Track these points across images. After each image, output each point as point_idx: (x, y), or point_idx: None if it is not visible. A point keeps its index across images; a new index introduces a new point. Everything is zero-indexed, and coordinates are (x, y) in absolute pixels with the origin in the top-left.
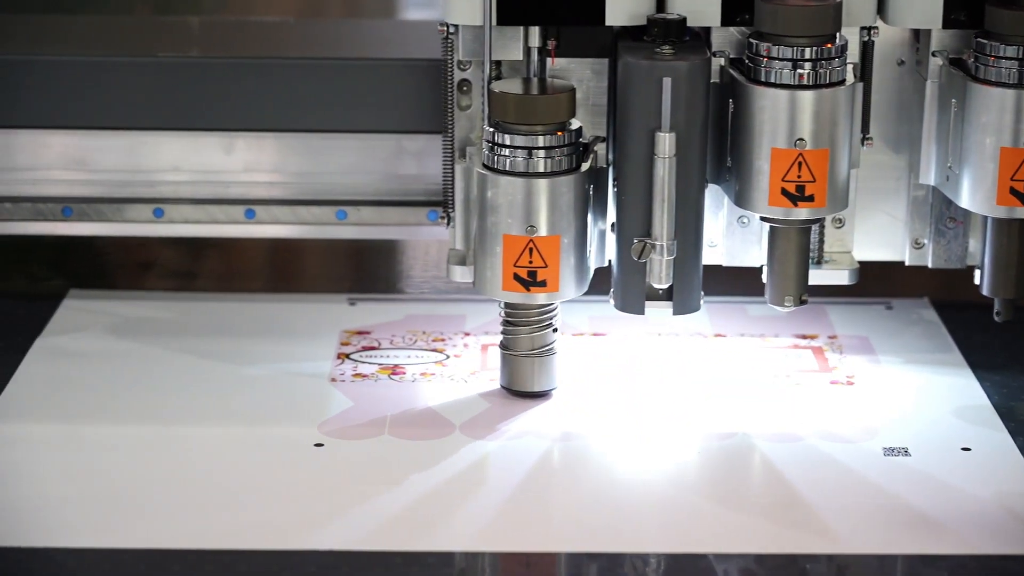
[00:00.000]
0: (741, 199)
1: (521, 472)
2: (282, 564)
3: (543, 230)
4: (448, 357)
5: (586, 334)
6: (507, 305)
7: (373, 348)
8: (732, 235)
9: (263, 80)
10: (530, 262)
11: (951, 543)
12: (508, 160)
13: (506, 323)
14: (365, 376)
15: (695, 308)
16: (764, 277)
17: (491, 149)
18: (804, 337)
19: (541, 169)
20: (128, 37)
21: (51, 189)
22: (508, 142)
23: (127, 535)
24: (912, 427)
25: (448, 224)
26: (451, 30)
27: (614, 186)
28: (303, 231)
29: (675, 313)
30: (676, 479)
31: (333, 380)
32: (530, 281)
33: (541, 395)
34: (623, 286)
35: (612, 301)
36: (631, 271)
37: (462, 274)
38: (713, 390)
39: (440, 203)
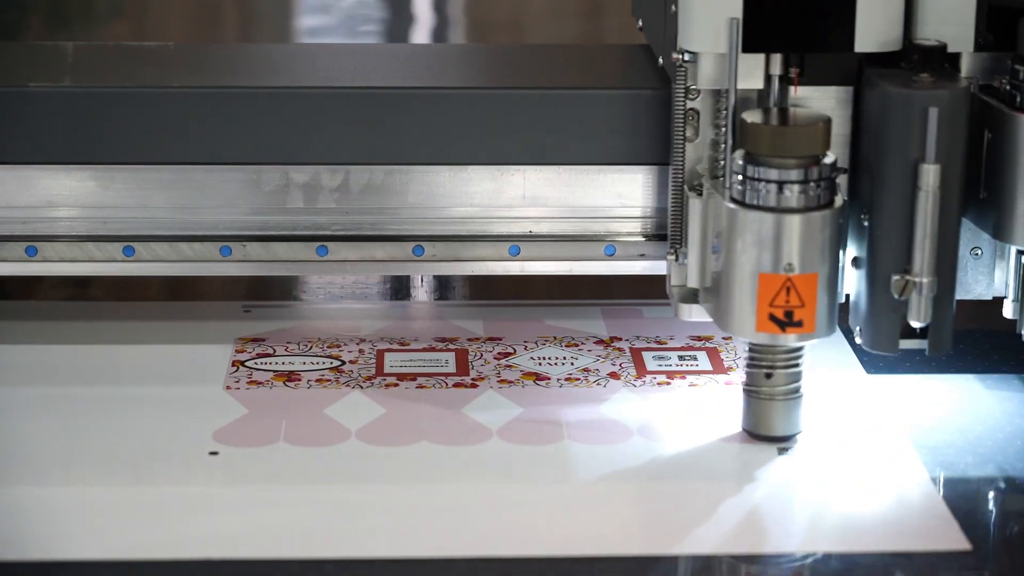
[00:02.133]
0: (1000, 232)
1: (422, 476)
2: (178, 573)
3: (801, 267)
4: (344, 363)
5: (482, 338)
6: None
7: (268, 355)
8: (964, 268)
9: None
10: (787, 301)
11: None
12: (763, 192)
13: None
14: (260, 383)
15: (948, 346)
16: (1008, 312)
17: (743, 182)
18: (699, 339)
19: (794, 204)
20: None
21: None
22: (761, 175)
23: (17, 550)
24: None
25: (677, 260)
26: (687, 58)
27: (863, 218)
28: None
29: (930, 352)
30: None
31: (228, 388)
32: (786, 321)
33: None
34: (875, 324)
35: (859, 339)
36: (887, 309)
37: (694, 313)
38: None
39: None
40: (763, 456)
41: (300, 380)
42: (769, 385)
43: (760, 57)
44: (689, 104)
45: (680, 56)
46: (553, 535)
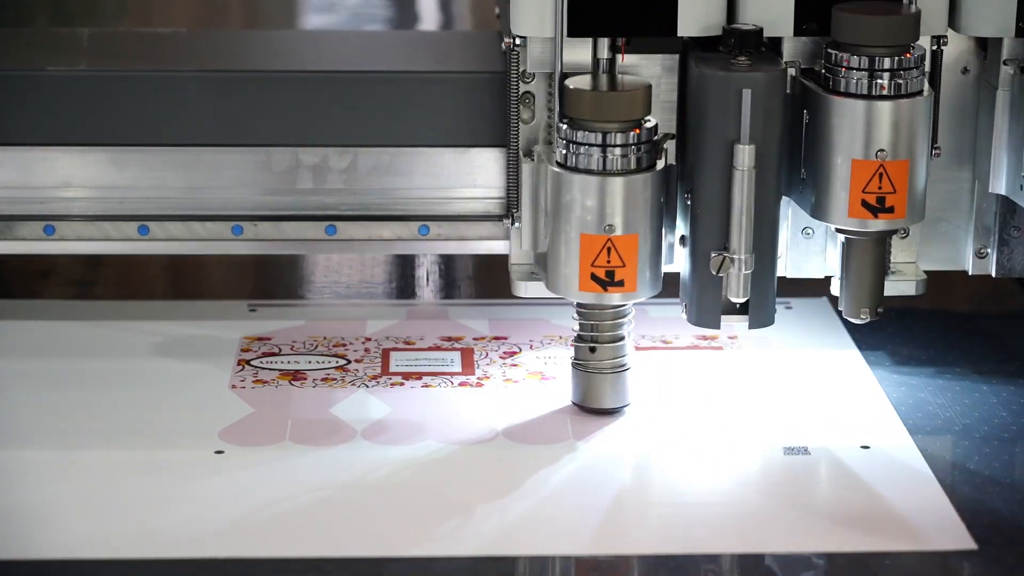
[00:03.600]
0: (818, 211)
1: (428, 476)
2: (183, 572)
3: (622, 228)
4: (349, 362)
5: (487, 337)
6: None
7: (273, 354)
8: (796, 246)
9: (165, 94)
10: (608, 261)
11: (855, 541)
12: (586, 155)
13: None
14: (266, 382)
15: (770, 322)
16: (836, 289)
17: (567, 147)
18: (705, 338)
19: (619, 167)
20: (18, 50)
21: None
22: (584, 140)
23: (24, 549)
24: (812, 426)
25: (513, 224)
26: (517, 42)
27: (686, 197)
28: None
29: (751, 327)
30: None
31: (233, 387)
32: (607, 281)
33: (615, 411)
34: (699, 301)
35: (685, 316)
36: (707, 285)
37: (529, 290)
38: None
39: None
40: (771, 456)
41: (306, 379)
42: (596, 358)
43: (588, 40)
44: (524, 87)
45: (511, 40)
46: (564, 533)
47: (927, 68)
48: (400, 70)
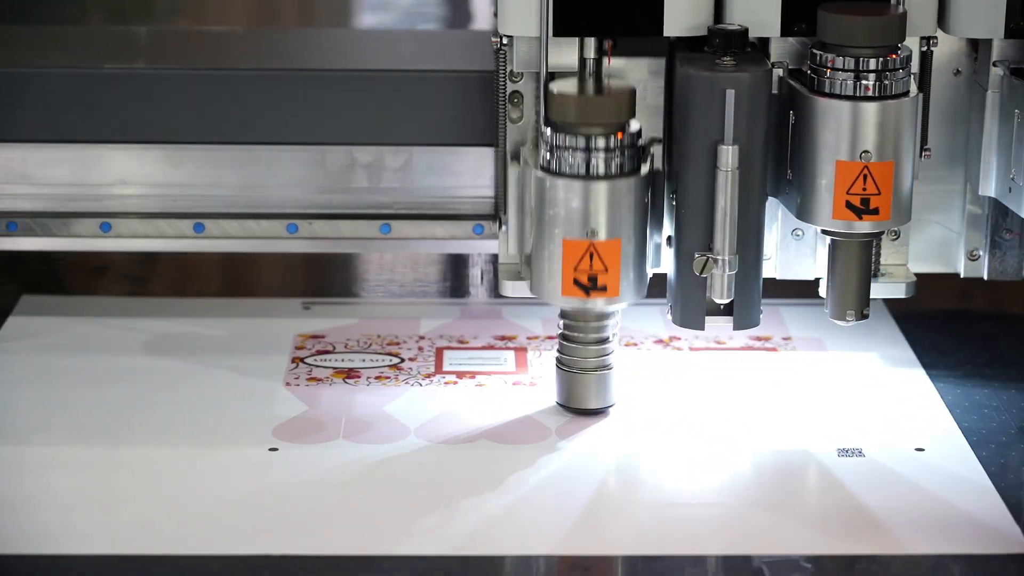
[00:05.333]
0: (803, 212)
1: (481, 475)
2: (235, 569)
3: (605, 234)
4: (403, 360)
5: (540, 336)
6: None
7: (327, 352)
8: (787, 248)
9: (220, 92)
10: (591, 267)
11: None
12: (569, 160)
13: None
14: (319, 380)
15: (755, 323)
16: (823, 291)
17: (550, 151)
18: (759, 339)
19: (602, 172)
20: (77, 48)
21: None
22: (568, 144)
23: (79, 544)
24: (866, 428)
25: (500, 227)
26: (504, 42)
27: (671, 198)
28: (254, 245)
29: (735, 328)
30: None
31: (287, 384)
32: (590, 286)
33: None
34: (683, 301)
35: (670, 316)
36: (691, 286)
37: (515, 290)
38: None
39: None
40: (825, 459)
41: (360, 377)
42: (581, 357)
43: (575, 40)
44: (512, 86)
45: (498, 40)
46: (622, 534)
47: (915, 69)
48: (455, 69)
